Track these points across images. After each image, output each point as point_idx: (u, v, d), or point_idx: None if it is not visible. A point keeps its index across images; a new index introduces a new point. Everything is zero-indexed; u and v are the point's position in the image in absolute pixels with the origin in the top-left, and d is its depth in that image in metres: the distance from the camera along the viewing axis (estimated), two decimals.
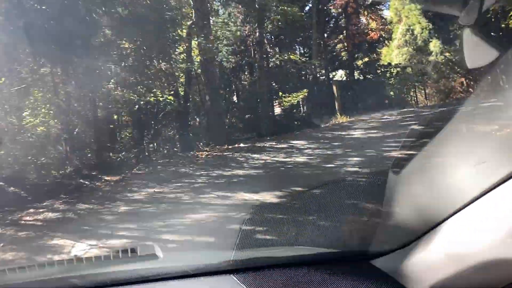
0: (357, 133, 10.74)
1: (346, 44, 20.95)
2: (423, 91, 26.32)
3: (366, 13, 21.52)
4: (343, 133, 11.15)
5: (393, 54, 27.92)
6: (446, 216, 1.13)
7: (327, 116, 15.87)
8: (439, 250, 1.14)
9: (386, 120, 12.93)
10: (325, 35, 21.52)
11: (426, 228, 1.20)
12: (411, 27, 26.80)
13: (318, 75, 17.71)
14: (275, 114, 17.78)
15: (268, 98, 15.73)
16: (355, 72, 22.31)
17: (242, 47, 18.66)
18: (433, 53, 25.96)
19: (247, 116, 16.87)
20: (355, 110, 21.06)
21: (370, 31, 20.84)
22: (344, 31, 21.32)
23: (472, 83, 26.14)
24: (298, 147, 9.81)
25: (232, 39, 18.92)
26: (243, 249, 2.14)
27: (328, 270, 1.32)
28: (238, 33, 17.72)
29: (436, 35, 24.33)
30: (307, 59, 14.93)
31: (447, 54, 25.31)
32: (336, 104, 14.99)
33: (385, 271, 1.29)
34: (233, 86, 18.37)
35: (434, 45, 25.69)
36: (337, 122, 14.08)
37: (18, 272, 1.73)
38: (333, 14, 22.03)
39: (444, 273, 1.08)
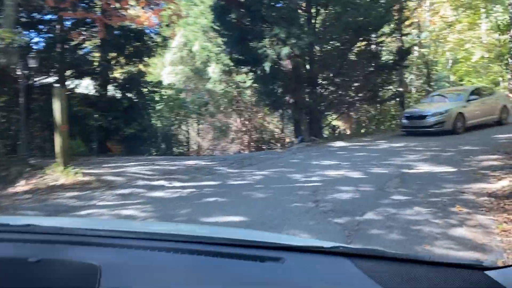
0: None
1: (98, 37, 12.99)
2: (197, 126, 20.95)
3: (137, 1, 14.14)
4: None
5: (165, 71, 21.59)
6: None
7: (41, 161, 7.31)
8: None
9: (199, 191, 5.77)
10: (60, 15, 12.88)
11: None
12: (190, 43, 21.29)
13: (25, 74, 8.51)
14: None
15: None
16: (110, 85, 14.53)
17: None
18: (211, 80, 21.15)
19: None
20: (95, 149, 13.16)
21: (138, 31, 13.68)
22: (95, 19, 13.30)
23: (247, 122, 22.89)
24: None
25: None
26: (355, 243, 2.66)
27: (444, 272, 1.21)
28: None
29: (217, 59, 19.55)
30: None
31: (224, 84, 21.02)
32: (59, 140, 6.74)
33: (501, 283, 1.13)
34: None
35: (213, 71, 20.95)
36: (58, 184, 5.88)
37: None
38: None
39: None
